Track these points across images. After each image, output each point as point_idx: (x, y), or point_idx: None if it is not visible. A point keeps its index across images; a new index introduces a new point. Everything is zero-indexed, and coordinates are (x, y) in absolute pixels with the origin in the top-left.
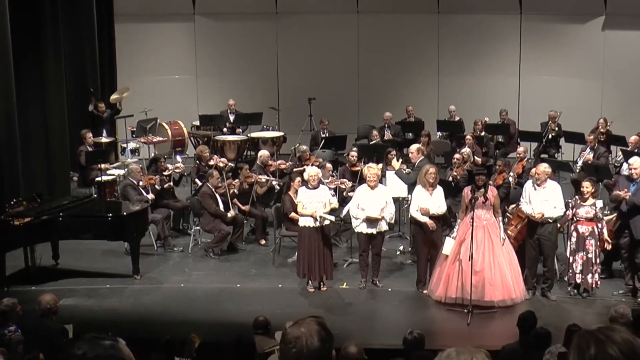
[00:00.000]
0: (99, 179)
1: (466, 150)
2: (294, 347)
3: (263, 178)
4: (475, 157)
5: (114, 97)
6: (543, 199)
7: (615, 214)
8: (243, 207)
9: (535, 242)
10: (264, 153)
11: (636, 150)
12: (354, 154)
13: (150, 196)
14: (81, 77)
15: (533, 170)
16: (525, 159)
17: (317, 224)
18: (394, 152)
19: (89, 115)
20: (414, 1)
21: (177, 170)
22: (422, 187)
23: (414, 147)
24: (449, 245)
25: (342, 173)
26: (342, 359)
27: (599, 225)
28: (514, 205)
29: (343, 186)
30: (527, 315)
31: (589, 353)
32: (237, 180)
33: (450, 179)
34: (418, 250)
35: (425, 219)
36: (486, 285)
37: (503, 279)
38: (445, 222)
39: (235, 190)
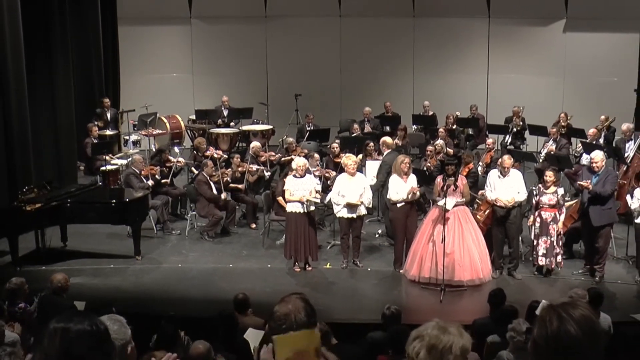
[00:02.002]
0: (103, 168)
1: (440, 142)
2: (284, 323)
3: (254, 167)
4: (448, 148)
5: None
6: (508, 186)
7: (576, 200)
8: (239, 186)
9: (501, 226)
10: (256, 144)
11: (594, 142)
12: (335, 145)
13: (150, 182)
14: (87, 75)
15: (500, 160)
16: (493, 150)
17: (304, 208)
18: (372, 144)
19: (95, 114)
20: (392, 6)
21: (179, 164)
22: (397, 175)
23: (387, 139)
24: (449, 203)
25: (326, 163)
26: None
27: (560, 211)
28: (482, 191)
29: (328, 175)
30: (497, 292)
31: (551, 328)
32: (229, 170)
33: (425, 168)
34: (395, 233)
35: (403, 196)
36: (456, 266)
37: (471, 260)
38: (420, 207)
39: (228, 179)
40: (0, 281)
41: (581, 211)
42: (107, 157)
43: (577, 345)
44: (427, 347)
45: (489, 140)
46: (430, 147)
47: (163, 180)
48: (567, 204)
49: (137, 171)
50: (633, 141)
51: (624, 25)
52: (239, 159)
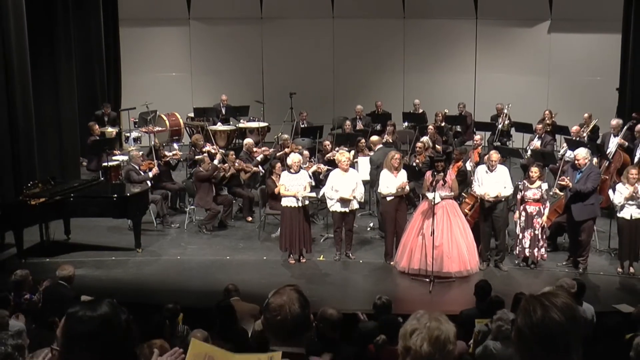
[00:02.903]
0: (105, 164)
1: (425, 138)
2: (279, 314)
3: (250, 167)
4: (437, 145)
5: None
6: (495, 181)
7: (562, 195)
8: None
9: (488, 219)
10: (248, 141)
11: (577, 139)
12: (328, 142)
13: (154, 171)
14: (90, 75)
15: (487, 155)
16: (481, 146)
17: (299, 203)
18: (363, 141)
19: (95, 116)
20: (383, 7)
21: (174, 157)
22: (387, 170)
23: (374, 138)
24: (437, 197)
25: (319, 160)
26: (323, 321)
27: (544, 205)
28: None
29: (319, 170)
30: (483, 284)
31: (536, 317)
32: (227, 165)
33: (414, 164)
34: (386, 226)
35: (392, 191)
36: (444, 258)
37: (459, 252)
38: (410, 201)
39: (226, 174)
40: (6, 273)
41: (565, 206)
42: (117, 152)
43: (561, 332)
44: (429, 339)
45: (477, 137)
46: (419, 144)
47: (153, 171)
48: (557, 191)
49: (136, 166)
50: (617, 137)
51: (606, 27)
52: (233, 156)
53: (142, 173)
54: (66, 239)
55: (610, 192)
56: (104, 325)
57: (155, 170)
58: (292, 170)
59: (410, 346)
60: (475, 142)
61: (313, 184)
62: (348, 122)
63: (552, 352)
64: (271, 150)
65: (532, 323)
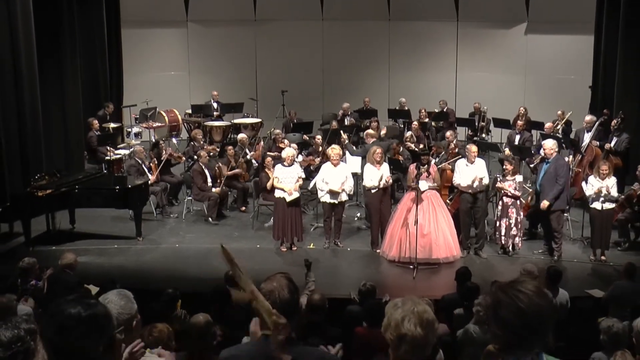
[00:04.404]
0: (108, 157)
1: (408, 133)
2: (269, 299)
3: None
4: (420, 143)
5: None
6: (473, 173)
7: (530, 191)
8: (237, 172)
9: (468, 209)
10: (242, 137)
11: (552, 133)
12: (319, 137)
13: (152, 179)
14: (93, 74)
15: (467, 148)
16: (454, 141)
17: (294, 197)
18: (345, 136)
19: (97, 116)
20: (369, 10)
21: (179, 160)
22: (370, 164)
23: (370, 131)
24: (424, 185)
25: (310, 154)
26: (308, 305)
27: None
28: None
29: (311, 163)
30: (464, 271)
31: (519, 305)
32: (224, 161)
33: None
34: (371, 217)
35: (375, 184)
36: (433, 245)
37: (445, 239)
38: (392, 193)
39: (225, 172)
40: (15, 260)
41: (536, 198)
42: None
43: (545, 315)
44: (420, 323)
45: (447, 134)
46: (394, 145)
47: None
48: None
49: (139, 161)
50: (591, 132)
51: (580, 28)
52: (232, 150)
53: (145, 169)
54: (71, 228)
55: (583, 184)
56: (61, 328)
57: (153, 178)
58: (285, 164)
59: (405, 333)
60: (447, 137)
61: (304, 176)
62: (334, 122)
63: (535, 335)
64: (263, 145)
65: (516, 310)
